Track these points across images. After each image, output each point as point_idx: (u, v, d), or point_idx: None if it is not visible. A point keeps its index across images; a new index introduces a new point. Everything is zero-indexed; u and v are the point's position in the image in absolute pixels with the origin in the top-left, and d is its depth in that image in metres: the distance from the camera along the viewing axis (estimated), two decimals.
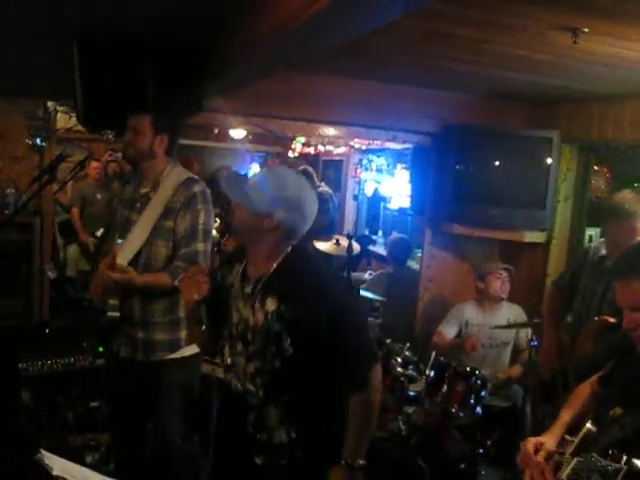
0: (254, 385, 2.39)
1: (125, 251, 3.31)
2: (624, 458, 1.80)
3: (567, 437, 2.13)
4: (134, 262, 3.33)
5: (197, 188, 3.38)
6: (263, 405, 2.39)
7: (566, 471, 1.92)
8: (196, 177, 3.52)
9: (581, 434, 2.05)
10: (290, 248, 2.37)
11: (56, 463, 1.98)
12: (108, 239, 3.67)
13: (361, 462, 2.36)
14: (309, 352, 2.34)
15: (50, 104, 4.62)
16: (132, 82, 3.78)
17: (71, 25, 3.47)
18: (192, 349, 3.51)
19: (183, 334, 3.42)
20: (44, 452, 1.99)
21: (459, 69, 3.83)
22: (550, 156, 4.70)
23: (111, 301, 3.39)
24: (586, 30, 2.70)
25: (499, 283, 4.68)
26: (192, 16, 3.20)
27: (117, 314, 3.38)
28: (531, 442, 2.20)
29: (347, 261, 5.42)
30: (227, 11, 3.01)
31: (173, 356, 3.42)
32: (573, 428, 2.17)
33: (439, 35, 3.03)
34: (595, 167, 5.22)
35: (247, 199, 2.29)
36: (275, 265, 2.36)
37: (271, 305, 2.33)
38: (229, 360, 2.47)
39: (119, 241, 3.35)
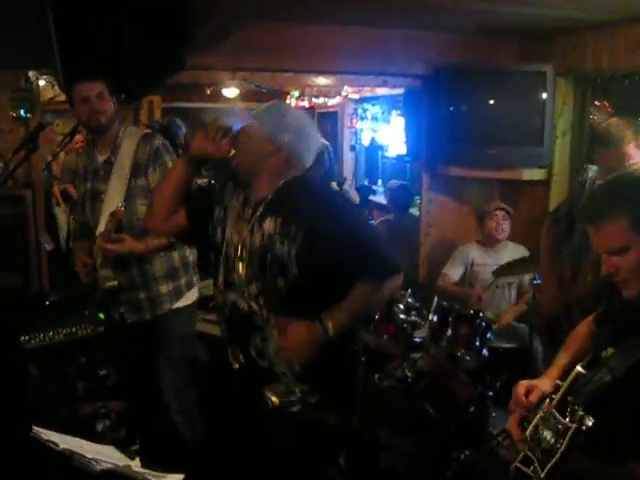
0: (258, 305, 2.40)
1: (105, 219, 3.29)
2: (579, 415, 1.77)
3: (558, 382, 2.10)
4: (118, 226, 3.31)
5: (157, 141, 3.39)
6: (268, 325, 2.40)
7: (529, 428, 1.91)
8: (150, 131, 3.51)
9: (570, 378, 2.01)
10: (293, 176, 2.41)
11: (55, 437, 1.97)
12: (76, 215, 3.64)
13: (331, 332, 2.32)
14: (317, 271, 2.33)
15: (32, 74, 4.53)
16: (111, 43, 3.70)
17: None
18: (192, 295, 3.58)
19: (183, 280, 3.51)
20: (38, 428, 1.98)
21: (443, 5, 3.72)
22: (545, 90, 4.58)
23: (103, 272, 3.38)
24: None
25: (494, 224, 4.65)
26: None
27: (115, 283, 3.38)
28: (522, 385, 2.17)
29: None
30: None
31: (177, 305, 3.49)
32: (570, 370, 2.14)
33: None
34: (596, 102, 5.11)
35: (252, 124, 2.37)
36: (276, 189, 2.40)
37: (269, 225, 2.36)
38: (234, 278, 2.45)
39: (119, 204, 3.30)
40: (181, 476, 1.98)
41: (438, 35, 4.65)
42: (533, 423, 1.95)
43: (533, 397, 2.08)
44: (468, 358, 3.90)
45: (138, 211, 3.32)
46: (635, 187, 1.86)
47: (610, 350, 1.95)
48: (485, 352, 3.94)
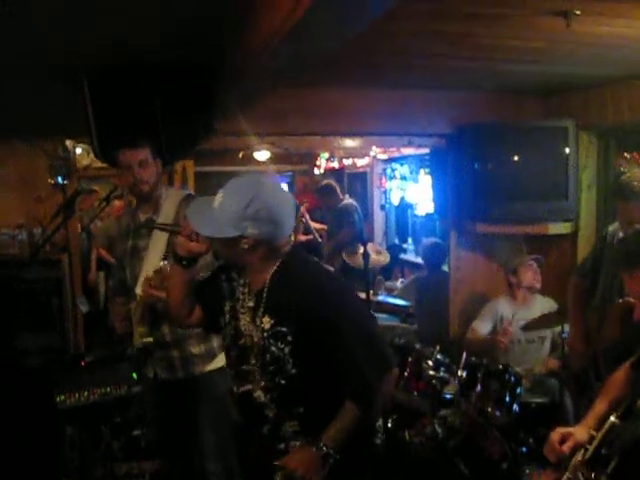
0: (267, 399, 2.36)
1: (143, 275, 3.37)
2: (598, 471, 1.79)
3: (592, 432, 2.09)
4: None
5: None
6: (278, 419, 2.36)
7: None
8: (191, 192, 3.57)
9: (604, 429, 2.02)
10: (283, 258, 2.31)
11: None
12: (116, 273, 3.72)
13: (332, 452, 2.25)
14: (314, 369, 2.29)
15: (69, 142, 4.72)
16: (142, 112, 3.85)
17: (80, 63, 3.56)
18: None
19: (215, 343, 3.47)
20: None
21: (460, 66, 3.84)
22: (567, 145, 4.64)
23: (140, 329, 3.45)
24: (578, 12, 2.67)
25: (531, 273, 4.64)
26: (192, 39, 3.25)
27: (150, 339, 3.44)
28: (558, 432, 2.17)
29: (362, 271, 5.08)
30: (226, 29, 3.06)
31: (210, 368, 3.46)
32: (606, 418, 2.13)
33: (427, 33, 3.04)
34: (626, 154, 5.14)
35: (215, 230, 2.21)
36: (269, 278, 2.31)
37: (266, 323, 2.29)
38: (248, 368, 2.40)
39: (161, 263, 3.34)
40: None
41: (459, 94, 4.76)
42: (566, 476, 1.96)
43: (567, 446, 2.09)
44: (498, 413, 3.87)
45: None
46: None
47: None
48: (516, 407, 3.92)
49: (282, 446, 2.38)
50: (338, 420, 2.29)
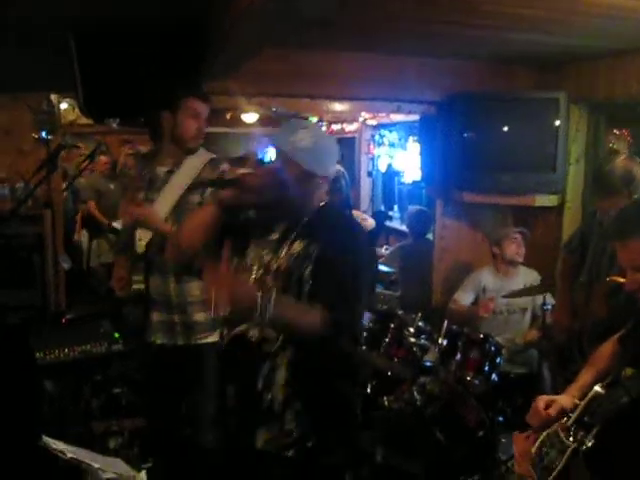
0: (274, 330, 2.36)
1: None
2: (580, 434, 1.79)
3: (576, 401, 2.11)
4: (159, 239, 3.32)
5: (225, 167, 3.38)
6: (277, 353, 2.37)
7: (535, 444, 1.92)
8: (216, 157, 3.51)
9: (588, 398, 2.03)
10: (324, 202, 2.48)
11: (63, 447, 2.02)
12: (126, 228, 3.67)
13: (269, 315, 2.19)
14: (319, 286, 2.35)
15: (53, 97, 4.64)
16: (129, 69, 3.79)
17: (67, 18, 3.49)
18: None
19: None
20: (47, 438, 2.03)
21: (454, 33, 3.78)
22: (558, 118, 4.61)
23: (135, 277, 3.41)
24: None
25: (514, 246, 4.64)
26: None
27: (142, 287, 3.41)
28: (542, 399, 2.18)
29: None
30: None
31: (213, 339, 3.35)
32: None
33: None
34: (615, 131, 5.13)
35: (304, 160, 2.33)
36: (310, 214, 2.44)
37: (298, 247, 2.39)
38: None
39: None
40: None
41: (451, 62, 4.70)
42: (539, 440, 1.97)
43: (552, 410, 2.10)
44: (477, 382, 3.91)
45: None
46: None
47: (629, 370, 1.97)
48: (495, 377, 3.95)
49: (269, 397, 2.38)
50: (299, 308, 2.34)
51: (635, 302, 2.06)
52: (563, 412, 2.09)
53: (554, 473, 1.80)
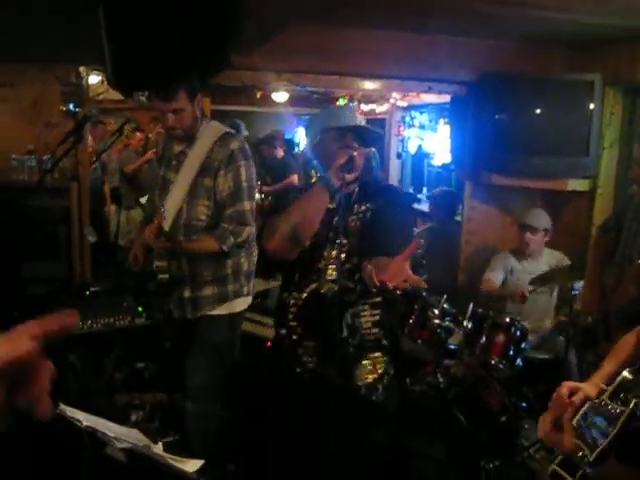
0: (352, 281, 2.59)
1: (166, 212, 3.33)
2: (633, 401, 1.72)
3: (603, 386, 2.05)
4: (175, 222, 3.35)
5: (236, 144, 3.34)
6: (358, 301, 2.61)
7: (576, 417, 1.86)
8: (233, 131, 3.48)
9: (616, 382, 1.97)
10: None
11: (80, 416, 2.01)
12: (151, 199, 3.70)
13: None
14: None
15: (82, 70, 4.64)
16: (159, 41, 3.76)
17: None
18: (240, 304, 3.54)
19: (230, 287, 3.47)
20: (63, 406, 2.02)
21: (488, 11, 3.69)
22: (592, 100, 4.51)
23: (158, 263, 3.43)
24: None
25: (530, 240, 4.57)
26: None
27: (166, 276, 3.42)
28: (566, 385, 2.13)
29: None
30: None
31: (220, 312, 3.46)
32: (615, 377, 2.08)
33: None
34: None
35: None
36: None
37: (360, 207, 2.68)
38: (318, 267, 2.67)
39: (162, 209, 3.36)
40: (201, 462, 2.01)
41: (485, 42, 4.62)
42: (581, 412, 1.90)
43: (576, 398, 2.05)
44: (502, 367, 3.85)
45: (198, 211, 3.33)
46: None
47: None
48: (519, 361, 3.89)
49: (356, 340, 2.60)
50: None
51: None
52: (587, 399, 2.04)
53: (609, 438, 1.74)
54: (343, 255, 2.58)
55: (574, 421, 1.82)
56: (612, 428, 1.72)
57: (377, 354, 2.69)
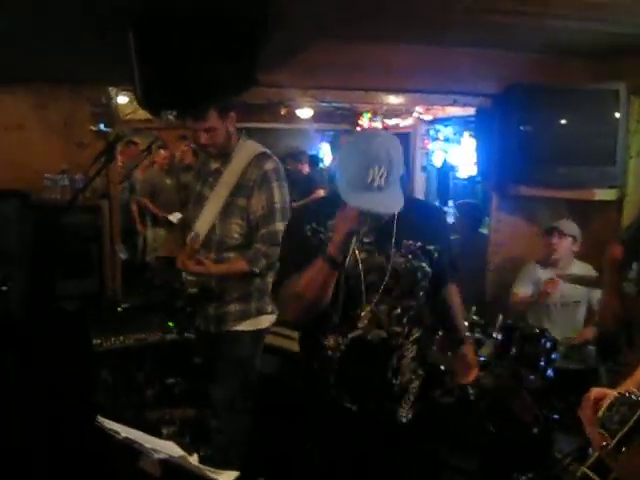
0: (400, 325, 2.50)
1: (199, 228, 3.38)
2: None
3: (634, 390, 2.04)
4: (207, 239, 3.40)
5: (270, 165, 3.39)
6: (405, 343, 2.53)
7: (602, 409, 1.86)
8: (268, 151, 3.52)
9: None
10: None
11: (117, 427, 2.06)
12: (187, 214, 3.77)
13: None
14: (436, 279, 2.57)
15: (111, 89, 4.73)
16: (187, 61, 3.83)
17: (126, 11, 3.53)
18: (264, 322, 3.57)
19: (254, 305, 3.51)
20: (102, 418, 2.07)
21: (510, 22, 3.70)
22: (618, 110, 4.51)
23: (189, 277, 3.48)
24: None
25: (548, 242, 4.57)
26: None
27: (195, 290, 3.47)
28: (595, 390, 2.12)
29: None
30: None
31: (244, 328, 3.50)
32: None
33: None
34: None
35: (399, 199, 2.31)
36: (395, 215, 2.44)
37: (410, 247, 2.47)
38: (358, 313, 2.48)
39: (193, 233, 3.41)
40: (236, 473, 2.03)
41: (507, 54, 4.63)
42: (608, 403, 1.90)
43: (604, 402, 2.05)
44: (532, 378, 3.84)
45: (230, 229, 3.38)
46: None
47: None
48: (550, 372, 3.87)
49: (399, 380, 2.55)
50: (459, 312, 2.94)
51: None
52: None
53: (628, 424, 1.73)
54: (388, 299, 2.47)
55: (600, 412, 1.83)
56: (632, 414, 1.71)
57: (415, 384, 2.63)
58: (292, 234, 2.63)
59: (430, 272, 2.51)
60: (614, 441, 1.68)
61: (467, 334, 2.86)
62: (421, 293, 2.53)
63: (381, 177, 2.18)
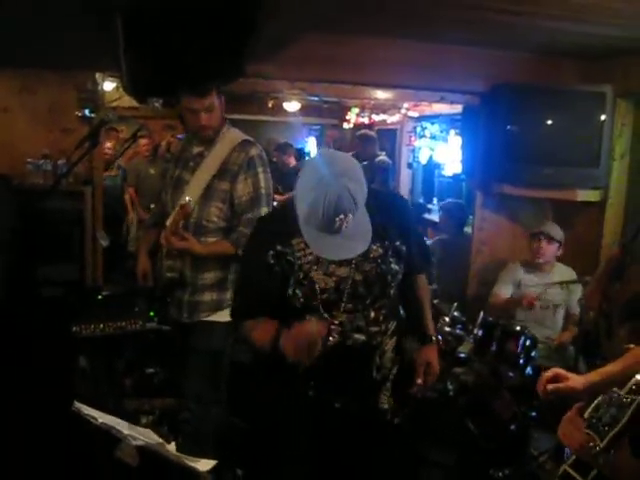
0: (377, 325, 2.51)
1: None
2: None
3: (615, 389, 2.06)
4: (186, 221, 3.35)
5: (255, 151, 3.39)
6: (384, 339, 2.55)
7: (588, 410, 1.87)
8: (251, 139, 3.50)
9: (629, 384, 1.98)
10: None
11: (95, 413, 2.04)
12: (160, 199, 3.71)
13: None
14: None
15: (98, 76, 4.69)
16: (175, 48, 3.80)
17: None
18: None
19: (228, 295, 3.46)
20: (79, 404, 2.05)
21: (500, 20, 3.70)
22: (604, 112, 4.52)
23: (168, 261, 3.45)
24: None
25: (536, 247, 4.58)
26: None
27: (176, 274, 3.44)
28: (553, 371, 2.15)
29: None
30: None
31: (217, 319, 3.45)
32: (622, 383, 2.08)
33: None
34: None
35: (366, 241, 2.31)
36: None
37: (377, 251, 2.44)
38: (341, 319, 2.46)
39: (187, 199, 3.30)
40: (213, 462, 2.02)
41: (498, 53, 4.63)
42: (594, 404, 1.92)
43: (551, 387, 2.07)
44: (511, 375, 3.86)
45: (210, 212, 3.35)
46: None
47: None
48: (529, 370, 3.89)
49: (380, 375, 2.57)
50: (427, 308, 2.77)
51: None
52: (568, 392, 2.05)
53: (619, 425, 1.74)
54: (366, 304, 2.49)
55: (586, 414, 1.84)
56: (623, 415, 1.73)
57: (394, 370, 2.65)
58: (251, 261, 2.57)
59: (400, 269, 2.51)
60: (605, 442, 1.70)
61: (432, 335, 2.72)
62: (392, 291, 2.54)
63: (347, 222, 2.16)
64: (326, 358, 2.42)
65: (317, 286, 2.42)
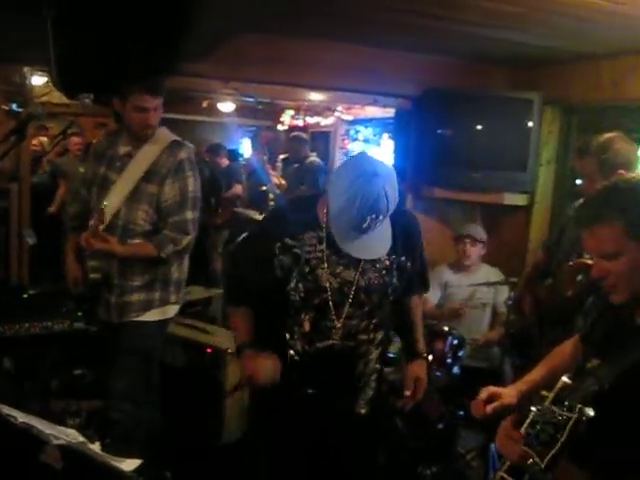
0: (366, 333, 2.54)
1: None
2: (578, 407, 1.77)
3: (543, 392, 2.10)
4: (112, 223, 3.29)
5: (184, 154, 3.35)
6: (370, 348, 2.59)
7: (524, 425, 1.90)
8: (181, 140, 3.46)
9: (556, 388, 2.03)
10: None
11: (15, 413, 1.98)
12: (80, 198, 3.62)
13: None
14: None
15: (26, 69, 4.57)
16: (106, 42, 3.74)
17: None
18: (167, 312, 3.51)
19: (157, 295, 3.43)
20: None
21: (438, 27, 3.76)
22: (531, 118, 4.66)
23: (92, 262, 3.38)
24: None
25: (460, 249, 4.66)
26: None
27: (98, 275, 3.37)
28: (487, 391, 2.18)
29: None
30: None
31: (147, 318, 3.43)
32: (549, 385, 2.13)
33: None
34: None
35: (386, 244, 2.41)
36: None
37: (385, 262, 2.49)
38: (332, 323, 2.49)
39: (105, 203, 3.24)
40: (138, 461, 1.99)
41: (430, 58, 4.71)
42: (529, 420, 1.95)
43: (490, 408, 2.11)
44: (439, 374, 3.92)
45: (137, 215, 3.30)
46: (630, 193, 1.87)
47: (595, 361, 1.96)
48: (456, 370, 3.96)
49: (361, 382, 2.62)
50: (420, 325, 2.91)
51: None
52: (504, 407, 2.10)
53: (557, 446, 1.78)
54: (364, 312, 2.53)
55: (522, 429, 1.87)
56: (561, 435, 1.76)
57: (374, 377, 2.70)
58: (257, 249, 2.58)
59: (400, 285, 2.56)
60: (545, 463, 1.74)
61: (422, 352, 2.88)
62: (388, 304, 2.59)
63: (376, 223, 2.24)
64: (312, 358, 2.50)
65: (321, 284, 2.45)
